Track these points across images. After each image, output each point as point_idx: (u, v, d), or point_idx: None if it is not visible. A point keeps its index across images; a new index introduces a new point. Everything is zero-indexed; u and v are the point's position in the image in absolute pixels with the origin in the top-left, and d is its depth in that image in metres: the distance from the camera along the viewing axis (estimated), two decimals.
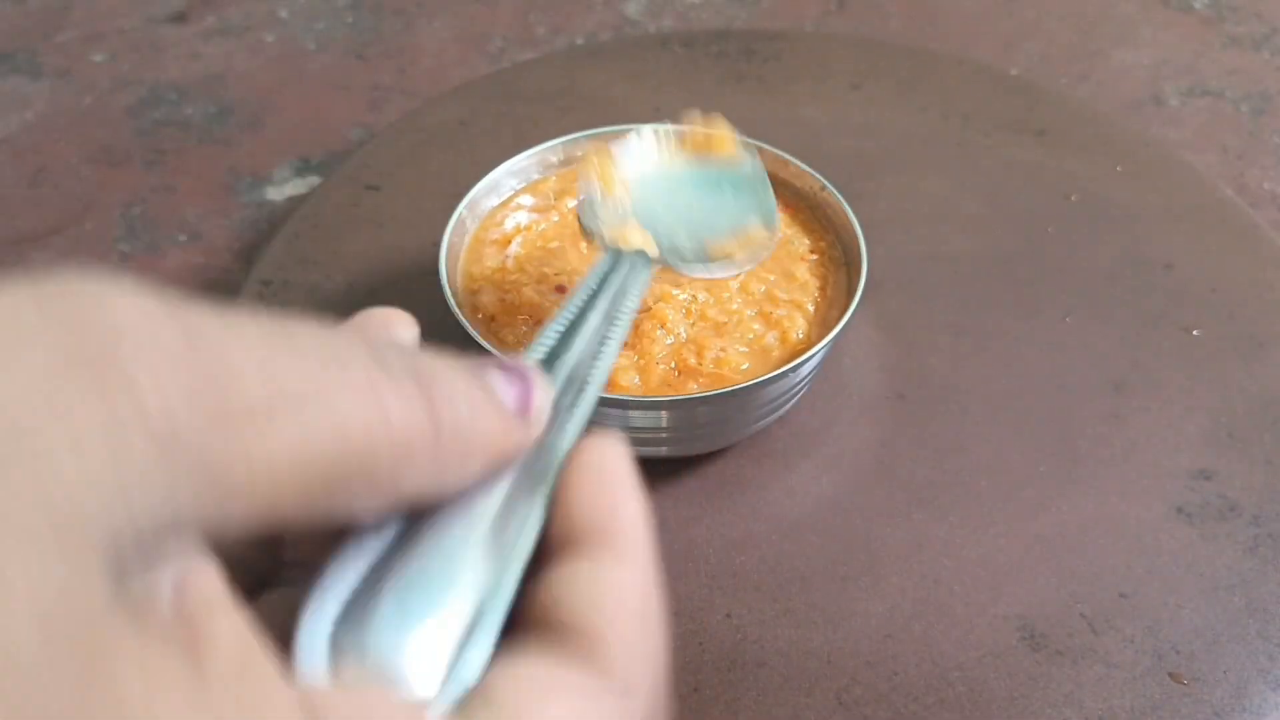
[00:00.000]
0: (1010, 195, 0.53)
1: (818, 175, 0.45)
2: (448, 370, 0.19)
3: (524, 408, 0.20)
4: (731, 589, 0.38)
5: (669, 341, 0.40)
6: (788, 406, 0.42)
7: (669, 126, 0.41)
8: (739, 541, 0.40)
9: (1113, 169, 0.54)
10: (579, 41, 0.67)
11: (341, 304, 0.48)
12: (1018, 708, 0.35)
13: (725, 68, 0.61)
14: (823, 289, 0.42)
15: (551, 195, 0.46)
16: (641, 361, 0.39)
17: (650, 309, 0.41)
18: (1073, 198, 0.53)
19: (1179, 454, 0.42)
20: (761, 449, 0.43)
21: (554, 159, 0.47)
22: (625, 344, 0.40)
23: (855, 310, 0.40)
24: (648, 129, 0.40)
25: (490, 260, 0.43)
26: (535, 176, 0.47)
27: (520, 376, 0.20)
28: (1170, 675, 0.36)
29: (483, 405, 0.19)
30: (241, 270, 0.57)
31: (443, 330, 0.46)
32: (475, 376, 0.20)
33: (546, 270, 0.43)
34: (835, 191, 0.44)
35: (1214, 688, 0.36)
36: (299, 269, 0.50)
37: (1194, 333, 0.47)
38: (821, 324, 0.41)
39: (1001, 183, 0.54)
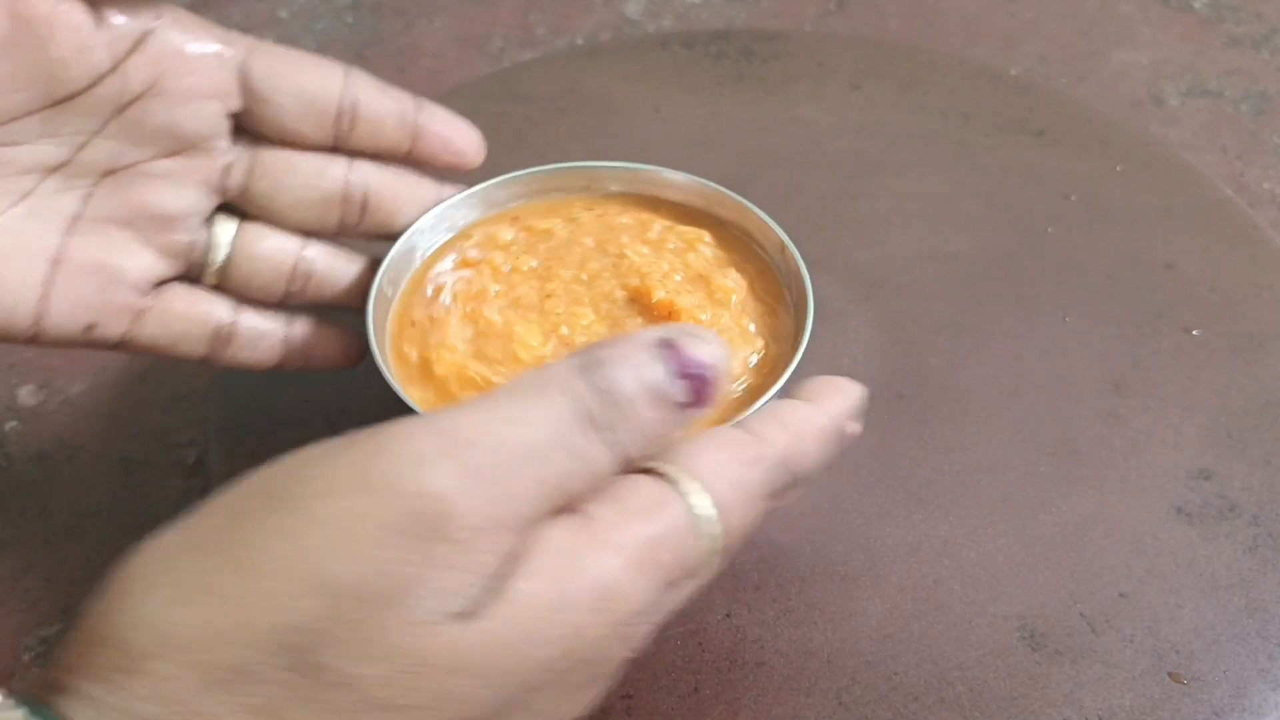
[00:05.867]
0: (1010, 195, 0.53)
1: (779, 230, 0.40)
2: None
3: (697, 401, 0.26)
4: (731, 589, 0.38)
5: None
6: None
7: None
8: None
9: (1113, 169, 0.54)
10: (579, 41, 0.67)
11: None
12: (1018, 708, 0.35)
13: (725, 68, 0.61)
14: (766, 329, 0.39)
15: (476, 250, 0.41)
16: None
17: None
18: (1073, 198, 0.53)
19: (1179, 454, 0.43)
20: None
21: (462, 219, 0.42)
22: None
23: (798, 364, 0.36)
24: None
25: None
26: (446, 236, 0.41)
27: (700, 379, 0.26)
28: (1170, 675, 0.36)
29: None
30: None
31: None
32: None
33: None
34: (793, 250, 0.39)
35: (1214, 688, 0.36)
36: None
37: (1194, 333, 0.47)
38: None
39: (1001, 183, 0.54)
